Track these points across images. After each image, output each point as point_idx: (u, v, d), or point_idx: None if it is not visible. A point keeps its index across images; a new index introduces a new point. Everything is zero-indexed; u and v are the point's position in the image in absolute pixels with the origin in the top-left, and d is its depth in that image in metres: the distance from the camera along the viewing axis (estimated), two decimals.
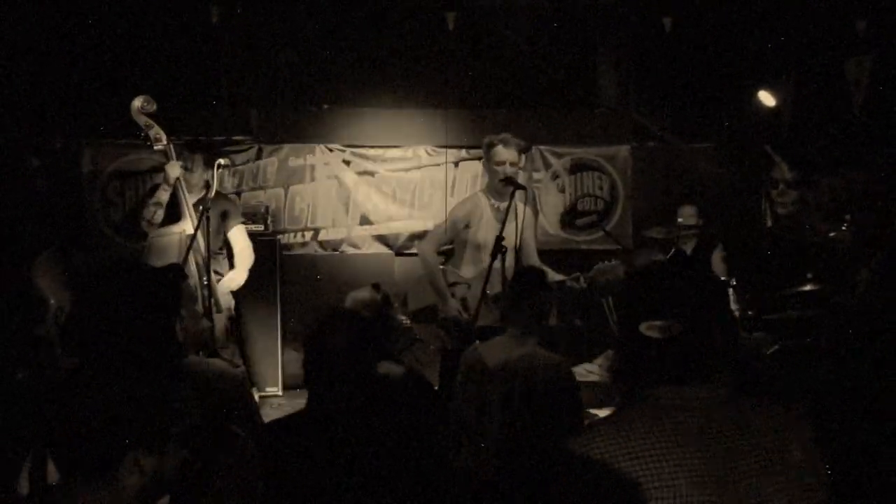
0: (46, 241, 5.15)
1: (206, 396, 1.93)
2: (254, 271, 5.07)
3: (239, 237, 5.04)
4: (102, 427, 1.38)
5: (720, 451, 1.48)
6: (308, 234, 6.83)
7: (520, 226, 4.30)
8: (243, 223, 5.20)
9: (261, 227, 6.21)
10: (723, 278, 5.22)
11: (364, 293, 3.43)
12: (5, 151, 6.00)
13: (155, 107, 4.58)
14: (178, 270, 3.39)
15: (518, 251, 4.39)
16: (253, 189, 6.72)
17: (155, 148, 4.61)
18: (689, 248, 5.80)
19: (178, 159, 4.65)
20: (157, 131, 4.58)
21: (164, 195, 4.61)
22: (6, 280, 4.79)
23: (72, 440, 1.38)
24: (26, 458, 1.74)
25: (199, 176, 4.81)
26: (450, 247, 4.73)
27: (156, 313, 1.99)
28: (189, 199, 4.66)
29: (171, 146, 4.63)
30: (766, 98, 6.75)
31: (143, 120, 4.56)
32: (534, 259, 4.41)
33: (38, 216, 5.90)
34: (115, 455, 1.39)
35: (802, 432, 1.56)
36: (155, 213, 4.60)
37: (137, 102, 4.56)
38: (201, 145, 5.08)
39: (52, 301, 4.82)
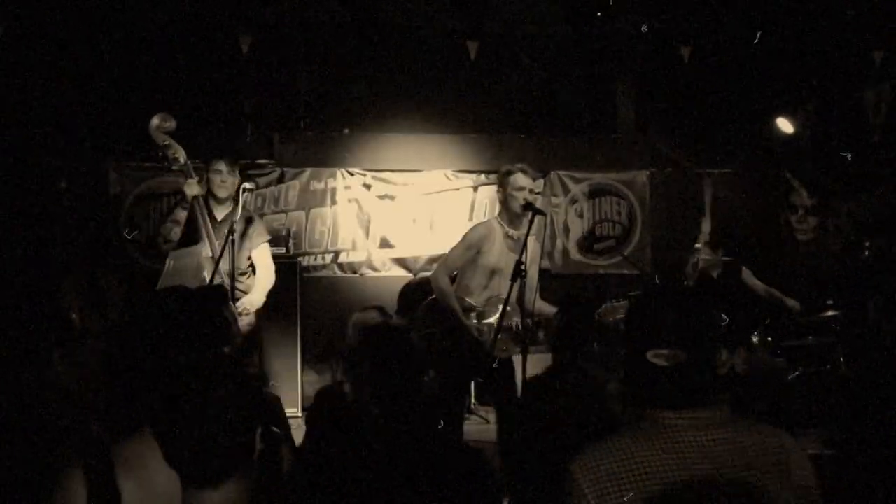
0: (74, 261, 5.25)
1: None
2: (274, 293, 4.92)
3: (260, 257, 4.83)
4: (225, 439, 1.47)
5: (715, 469, 1.53)
6: (328, 257, 6.90)
7: (530, 256, 4.30)
8: (268, 242, 4.98)
9: (282, 250, 6.25)
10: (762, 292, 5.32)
11: (369, 315, 3.40)
12: (35, 174, 6.14)
13: (174, 124, 4.45)
14: (224, 292, 3.38)
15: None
16: (275, 212, 6.82)
17: (172, 168, 4.52)
18: (714, 273, 5.78)
19: (195, 177, 4.52)
20: (175, 150, 4.48)
21: (181, 213, 4.52)
22: (35, 298, 4.87)
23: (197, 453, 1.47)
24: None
25: (231, 183, 4.63)
26: None
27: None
28: (208, 221, 4.51)
29: (190, 165, 4.51)
30: (784, 125, 6.78)
31: (161, 138, 4.45)
32: (536, 294, 4.41)
33: (66, 237, 6.01)
34: (237, 463, 1.49)
35: (798, 457, 1.60)
36: (172, 230, 4.52)
37: (155, 121, 4.44)
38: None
39: (77, 320, 4.89)
